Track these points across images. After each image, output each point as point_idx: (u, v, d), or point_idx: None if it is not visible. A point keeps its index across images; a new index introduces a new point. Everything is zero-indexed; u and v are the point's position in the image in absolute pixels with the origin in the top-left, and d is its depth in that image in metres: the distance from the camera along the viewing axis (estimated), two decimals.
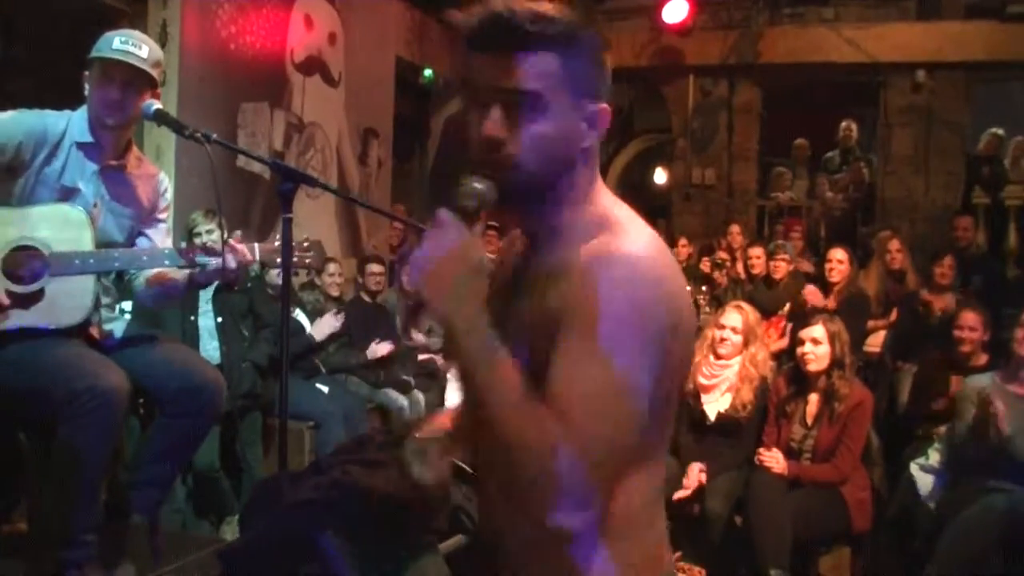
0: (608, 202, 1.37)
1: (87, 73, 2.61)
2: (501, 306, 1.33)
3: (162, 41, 5.34)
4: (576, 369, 1.20)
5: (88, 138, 2.63)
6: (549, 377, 1.21)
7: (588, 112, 1.31)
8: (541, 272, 1.33)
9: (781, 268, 6.42)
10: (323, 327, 5.12)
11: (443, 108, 9.49)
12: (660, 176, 12.68)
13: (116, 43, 2.57)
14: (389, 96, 8.17)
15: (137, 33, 2.66)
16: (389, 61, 8.12)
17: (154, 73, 2.61)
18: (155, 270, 2.74)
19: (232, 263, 2.60)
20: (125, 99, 2.59)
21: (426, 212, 8.58)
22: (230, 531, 4.24)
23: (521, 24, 1.23)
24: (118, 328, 2.78)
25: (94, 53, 2.58)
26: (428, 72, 8.77)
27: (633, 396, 1.21)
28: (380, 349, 5.43)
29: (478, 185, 1.27)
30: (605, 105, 1.33)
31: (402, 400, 5.39)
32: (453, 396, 4.65)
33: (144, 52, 2.59)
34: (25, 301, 2.51)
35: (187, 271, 2.69)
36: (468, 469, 2.36)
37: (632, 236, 1.28)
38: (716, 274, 6.80)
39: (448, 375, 4.95)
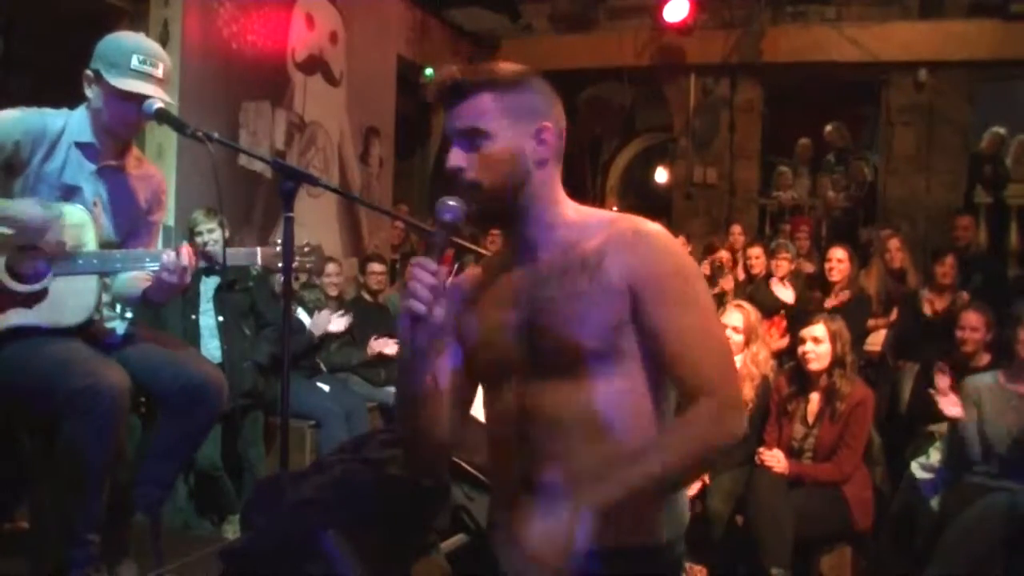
0: (578, 205, 1.70)
1: (89, 73, 2.58)
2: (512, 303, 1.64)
3: (163, 40, 5.34)
4: (683, 324, 1.56)
5: (88, 138, 2.62)
6: (663, 341, 1.56)
7: (532, 131, 1.61)
8: (556, 266, 1.62)
9: (782, 267, 6.42)
10: (321, 321, 5.12)
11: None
12: (661, 175, 12.68)
13: (135, 63, 2.53)
14: (391, 95, 8.17)
15: (150, 46, 2.61)
16: (390, 60, 8.13)
17: (166, 92, 2.60)
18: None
19: (166, 275, 2.54)
20: (140, 120, 2.60)
21: (428, 211, 8.60)
22: (232, 530, 4.24)
23: (456, 80, 1.60)
24: (119, 327, 2.78)
25: (112, 72, 2.53)
26: (429, 71, 8.76)
27: (720, 324, 1.76)
28: (380, 345, 5.43)
29: (452, 202, 1.57)
30: (547, 123, 1.62)
31: None
32: None
33: (160, 71, 2.57)
34: (28, 300, 2.51)
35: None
36: (474, 471, 2.37)
37: (639, 218, 1.64)
38: (720, 281, 6.79)
39: None
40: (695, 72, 9.94)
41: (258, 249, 2.72)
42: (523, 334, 1.62)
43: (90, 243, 2.56)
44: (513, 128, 1.59)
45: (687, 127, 10.10)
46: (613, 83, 10.35)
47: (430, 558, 2.16)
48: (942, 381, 3.97)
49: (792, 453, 3.98)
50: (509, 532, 1.60)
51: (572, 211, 1.68)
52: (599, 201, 11.40)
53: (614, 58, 9.80)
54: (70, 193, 2.61)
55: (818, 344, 3.96)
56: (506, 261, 1.72)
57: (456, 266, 6.56)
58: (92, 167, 2.65)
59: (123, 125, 2.62)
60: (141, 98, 2.53)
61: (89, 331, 2.63)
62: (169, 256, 2.53)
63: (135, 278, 2.72)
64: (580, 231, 1.63)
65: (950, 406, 3.90)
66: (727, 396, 1.55)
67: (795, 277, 6.47)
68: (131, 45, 2.57)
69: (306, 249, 2.79)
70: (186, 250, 2.56)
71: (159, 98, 2.52)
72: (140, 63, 2.54)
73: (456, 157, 1.60)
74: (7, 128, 2.54)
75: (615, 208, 10.09)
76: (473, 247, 3.17)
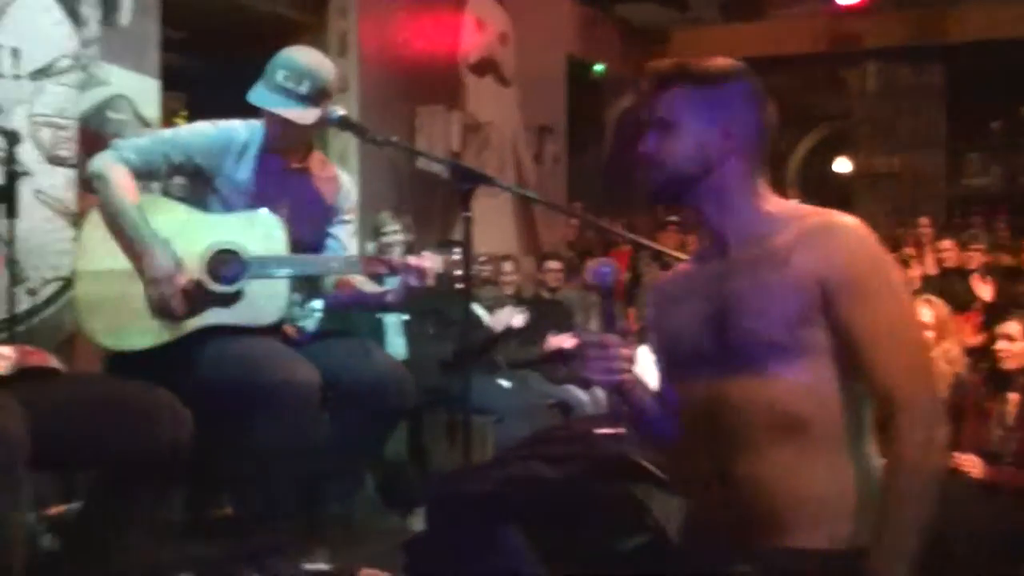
0: (779, 199, 1.71)
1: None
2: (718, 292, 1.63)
3: (342, 51, 5.55)
4: (876, 323, 1.52)
5: (273, 144, 2.77)
6: (854, 339, 1.52)
7: (720, 125, 1.64)
8: (746, 260, 1.62)
9: (976, 259, 6.03)
10: (502, 318, 5.17)
11: (615, 103, 9.43)
12: (841, 165, 12.16)
13: (279, 78, 2.67)
14: (561, 93, 8.19)
15: (301, 62, 2.71)
16: (560, 58, 8.15)
17: (309, 116, 2.68)
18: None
19: (413, 282, 2.66)
20: (286, 131, 2.72)
21: (603, 207, 8.58)
22: (417, 522, 4.35)
23: (657, 72, 1.69)
24: (310, 325, 2.90)
25: (259, 85, 2.70)
26: (599, 67, 8.74)
27: (918, 324, 1.76)
28: (558, 341, 5.44)
29: (604, 268, 1.74)
30: (739, 118, 1.66)
31: (583, 396, 5.38)
32: None
33: (304, 88, 2.66)
34: (226, 300, 2.65)
35: (379, 293, 2.79)
36: (655, 471, 2.32)
37: (834, 212, 1.65)
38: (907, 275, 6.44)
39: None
40: (873, 56, 9.48)
41: (438, 257, 2.77)
42: (714, 326, 1.62)
43: (281, 248, 2.68)
44: (700, 122, 1.65)
45: (867, 114, 9.64)
46: (788, 72, 10.02)
47: (609, 556, 2.14)
48: None
49: (989, 458, 3.72)
50: (701, 523, 1.64)
51: (769, 205, 1.68)
52: (779, 194, 11.04)
53: (788, 46, 9.47)
54: (258, 199, 2.75)
55: (1012, 342, 3.70)
56: (702, 254, 1.75)
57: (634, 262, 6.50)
58: (277, 173, 2.78)
59: (273, 138, 2.75)
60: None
61: (281, 329, 2.76)
62: (417, 262, 2.64)
63: (339, 283, 2.84)
64: (772, 225, 1.63)
65: None
66: (924, 407, 1.51)
67: (992, 270, 6.06)
68: (282, 61, 2.70)
69: (483, 258, 2.82)
70: (429, 258, 2.66)
71: (290, 118, 2.64)
72: (284, 79, 2.67)
73: (645, 143, 1.69)
74: (197, 142, 2.73)
75: (796, 200, 9.77)
76: (650, 244, 3.12)
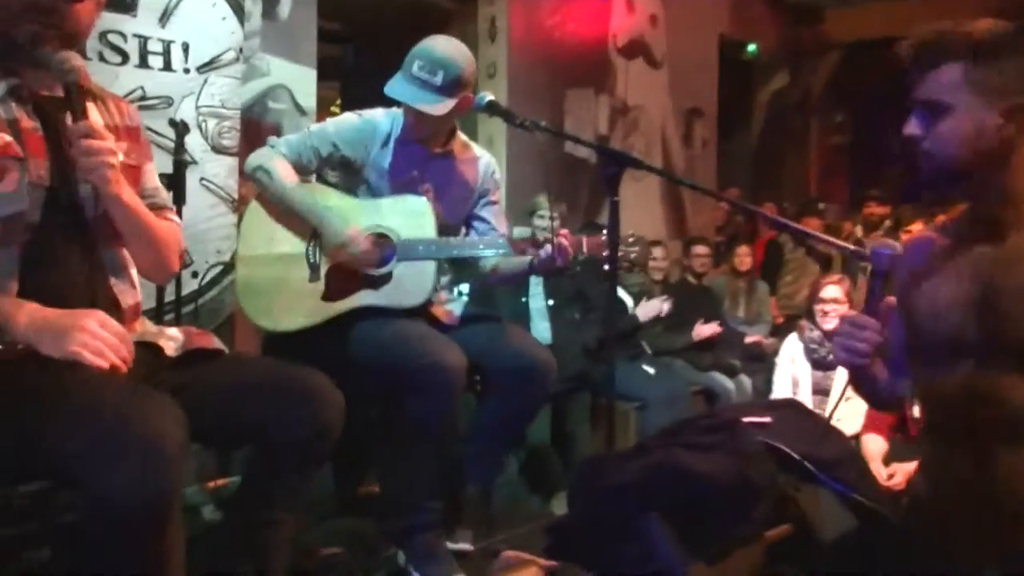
0: None
1: None
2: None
3: (491, 36, 5.61)
4: None
5: (411, 133, 2.83)
6: None
7: (1001, 107, 1.50)
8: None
9: None
10: (649, 309, 5.13)
11: (767, 84, 9.17)
12: None
13: (415, 68, 2.71)
14: (712, 75, 8.03)
15: (437, 53, 2.73)
16: (712, 39, 7.98)
17: (440, 108, 2.71)
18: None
19: (559, 261, 2.67)
20: (420, 123, 2.78)
21: (751, 192, 8.38)
22: (559, 506, 4.37)
23: (926, 46, 1.53)
24: (456, 308, 2.95)
25: (397, 74, 2.75)
26: (751, 48, 8.51)
27: None
28: (705, 330, 5.36)
29: (884, 250, 1.57)
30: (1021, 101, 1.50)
31: (728, 384, 5.29)
32: (781, 380, 4.49)
33: (438, 79, 2.69)
34: (376, 282, 2.74)
35: (527, 259, 2.80)
36: (801, 460, 2.26)
37: None
38: None
39: (775, 358, 4.78)
40: None
41: (583, 238, 2.77)
42: (981, 314, 1.52)
43: (429, 231, 2.74)
44: (978, 104, 1.51)
45: None
46: None
47: (752, 548, 2.10)
48: None
49: None
50: (943, 514, 1.55)
51: None
52: None
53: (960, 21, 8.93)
54: (404, 185, 2.82)
55: None
56: (963, 233, 1.63)
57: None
58: (420, 158, 2.84)
59: (408, 128, 2.81)
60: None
61: (429, 312, 2.82)
62: (558, 240, 2.67)
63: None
64: None
65: None
66: None
67: None
68: (418, 52, 2.74)
69: (631, 240, 2.80)
70: (567, 238, 2.69)
71: (422, 110, 2.69)
72: (419, 70, 2.71)
73: (912, 126, 1.57)
74: (344, 132, 2.83)
75: None
76: (797, 227, 3.02)
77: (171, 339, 2.01)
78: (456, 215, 2.92)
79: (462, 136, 2.97)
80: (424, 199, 2.79)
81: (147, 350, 1.94)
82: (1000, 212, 1.55)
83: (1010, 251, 1.53)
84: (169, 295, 3.24)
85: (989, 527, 1.46)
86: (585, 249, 2.74)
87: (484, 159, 3.00)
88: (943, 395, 1.58)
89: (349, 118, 2.88)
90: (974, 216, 1.60)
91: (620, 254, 2.67)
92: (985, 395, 1.49)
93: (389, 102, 2.87)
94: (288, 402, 1.89)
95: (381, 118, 2.86)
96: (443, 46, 2.76)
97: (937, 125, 1.52)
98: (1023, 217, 1.53)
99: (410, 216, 2.75)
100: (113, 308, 1.89)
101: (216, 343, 2.07)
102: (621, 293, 5.13)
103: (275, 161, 2.76)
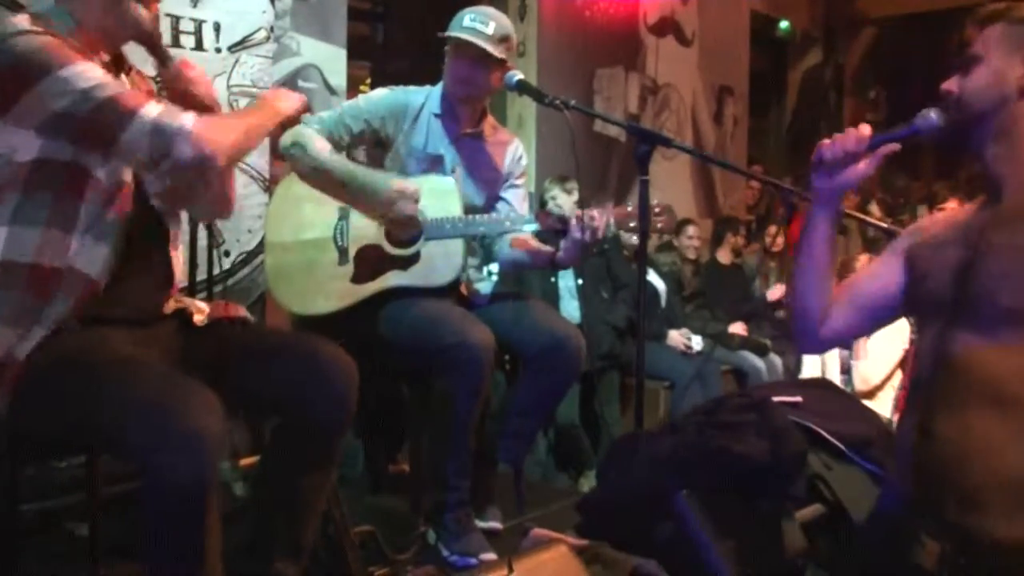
0: None
1: (447, 49, 2.78)
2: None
3: (521, 14, 5.58)
4: None
5: (444, 109, 2.83)
6: None
7: (1022, 58, 1.58)
8: (1018, 211, 1.54)
9: None
10: (777, 292, 5.27)
11: (800, 61, 9.07)
12: None
13: (466, 20, 2.72)
14: (744, 52, 7.94)
15: (487, 10, 2.78)
16: (743, 15, 7.89)
17: (497, 51, 2.71)
18: (517, 236, 2.88)
19: (588, 237, 2.61)
20: (473, 74, 2.74)
21: (784, 170, 8.29)
22: (587, 484, 4.38)
23: (989, 12, 1.63)
24: (485, 287, 2.95)
25: (448, 31, 2.74)
26: (784, 24, 8.40)
27: None
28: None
29: (933, 114, 1.64)
30: None
31: (759, 363, 5.27)
32: (811, 359, 4.47)
33: (490, 29, 2.70)
34: (405, 263, 2.74)
35: (549, 251, 2.79)
36: (833, 440, 2.25)
37: None
38: None
39: None
40: None
41: (609, 206, 2.76)
42: (960, 276, 1.53)
43: (456, 210, 2.74)
44: (1005, 55, 1.60)
45: None
46: None
47: (784, 527, 2.09)
48: None
49: None
50: (904, 478, 1.56)
51: None
52: None
53: None
54: (433, 163, 2.82)
55: None
56: (981, 205, 1.67)
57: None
58: (451, 137, 2.84)
59: (455, 80, 2.77)
60: (470, 54, 2.69)
61: (458, 291, 2.82)
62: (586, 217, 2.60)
63: (514, 243, 2.87)
64: None
65: None
66: None
67: None
68: (468, 10, 2.76)
69: (657, 209, 2.78)
70: (598, 213, 2.63)
71: (477, 43, 2.66)
72: (471, 20, 2.71)
73: (949, 82, 1.66)
74: (376, 107, 2.82)
75: None
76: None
77: (199, 311, 2.08)
78: (484, 196, 2.91)
79: (492, 118, 2.97)
80: (451, 179, 2.78)
81: (180, 322, 2.03)
82: (1000, 171, 1.59)
83: (1006, 211, 1.55)
84: (201, 274, 3.27)
85: (929, 490, 1.48)
86: (612, 220, 2.72)
87: (513, 143, 2.99)
88: (920, 351, 1.61)
89: (381, 92, 2.88)
90: (986, 183, 1.64)
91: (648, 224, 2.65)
92: (942, 355, 1.50)
93: (419, 80, 2.86)
94: (299, 368, 1.94)
95: (414, 93, 2.86)
96: (488, 7, 2.82)
97: (969, 75, 1.62)
98: (1019, 176, 1.57)
99: (437, 195, 2.73)
100: (168, 282, 1.99)
101: (242, 312, 2.13)
102: (651, 276, 5.12)
103: (309, 136, 2.76)
